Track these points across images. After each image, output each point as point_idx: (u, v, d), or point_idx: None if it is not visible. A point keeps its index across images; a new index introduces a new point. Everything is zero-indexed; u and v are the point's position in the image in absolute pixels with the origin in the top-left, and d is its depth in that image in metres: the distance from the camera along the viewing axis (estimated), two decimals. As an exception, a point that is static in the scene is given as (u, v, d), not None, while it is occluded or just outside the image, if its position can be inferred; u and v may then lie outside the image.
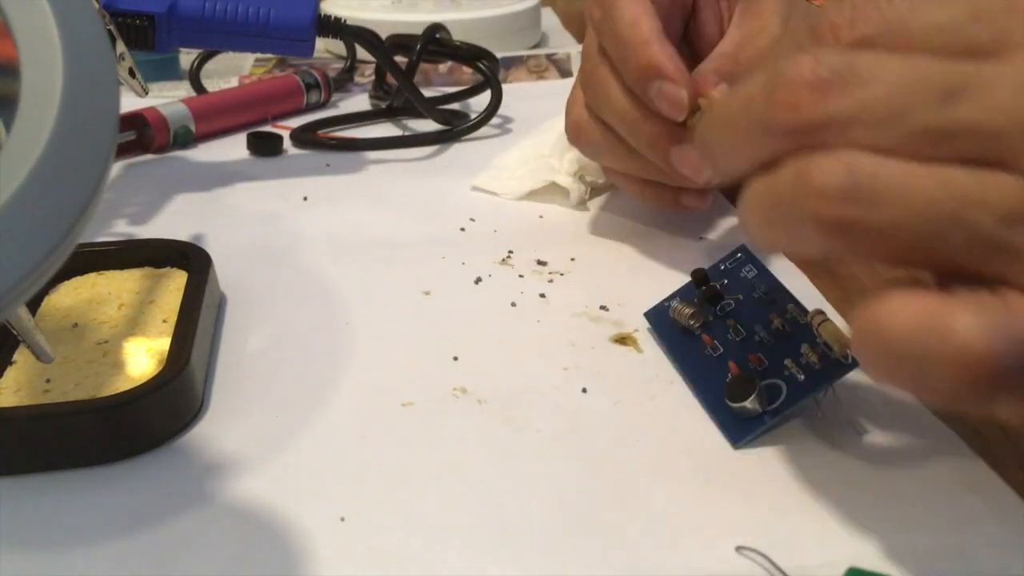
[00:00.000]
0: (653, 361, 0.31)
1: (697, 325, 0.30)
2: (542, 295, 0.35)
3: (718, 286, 0.31)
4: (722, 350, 0.29)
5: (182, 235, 0.39)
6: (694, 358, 0.30)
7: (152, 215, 0.44)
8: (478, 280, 0.37)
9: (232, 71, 0.69)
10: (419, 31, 0.55)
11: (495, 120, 0.55)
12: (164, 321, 0.32)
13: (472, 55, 0.55)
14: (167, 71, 0.66)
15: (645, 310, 0.33)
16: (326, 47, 0.75)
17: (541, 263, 0.38)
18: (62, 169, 0.17)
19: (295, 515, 0.24)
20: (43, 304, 0.33)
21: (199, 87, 0.61)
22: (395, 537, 0.23)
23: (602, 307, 0.34)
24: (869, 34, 0.20)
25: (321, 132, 0.55)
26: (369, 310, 0.35)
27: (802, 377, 0.27)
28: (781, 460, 0.26)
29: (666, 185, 0.37)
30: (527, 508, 0.24)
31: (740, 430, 0.27)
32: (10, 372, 0.29)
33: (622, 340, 0.32)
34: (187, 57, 0.66)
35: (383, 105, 0.59)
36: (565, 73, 0.69)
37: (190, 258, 0.34)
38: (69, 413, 0.26)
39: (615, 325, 0.33)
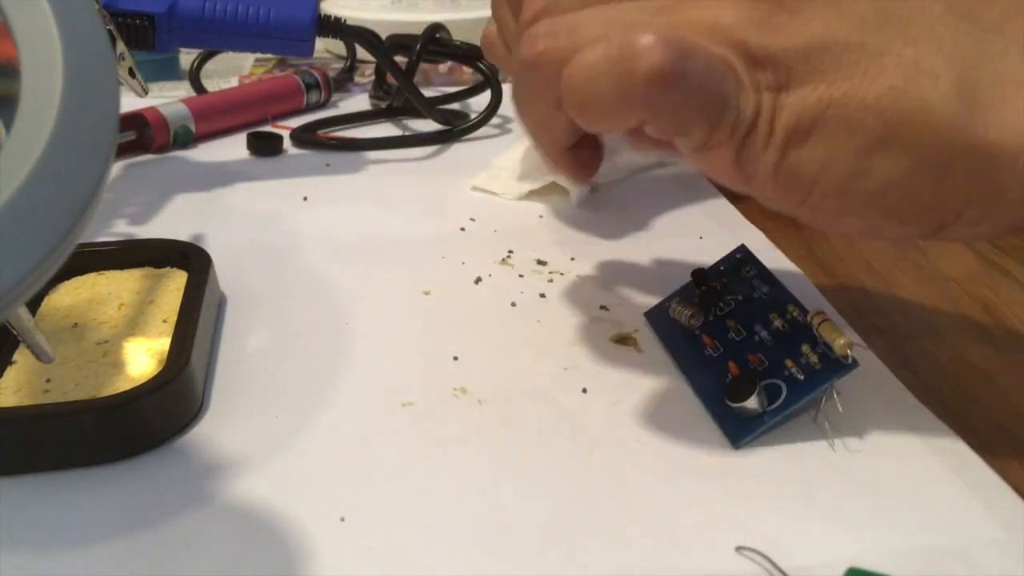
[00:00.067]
0: (653, 361, 0.31)
1: (697, 325, 0.30)
2: (542, 295, 0.35)
3: (718, 286, 0.31)
4: (722, 350, 0.29)
5: (182, 235, 0.39)
6: (694, 358, 0.30)
7: (152, 215, 0.44)
8: (478, 280, 0.37)
9: (232, 71, 0.69)
10: (419, 31, 0.55)
11: (495, 120, 0.55)
12: (164, 321, 0.32)
13: (472, 55, 0.55)
14: (167, 71, 0.66)
15: (645, 310, 0.33)
16: (326, 47, 0.75)
17: (541, 263, 0.38)
18: (62, 169, 0.17)
19: (295, 515, 0.24)
20: (43, 304, 0.33)
21: (199, 87, 0.61)
22: (395, 537, 0.23)
23: (602, 307, 0.34)
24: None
25: (321, 132, 0.55)
26: (369, 310, 0.35)
27: (802, 377, 0.27)
28: (781, 460, 0.26)
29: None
30: (527, 508, 0.24)
31: (740, 430, 0.27)
32: (10, 372, 0.29)
33: (622, 340, 0.32)
34: (187, 57, 0.66)
35: (383, 105, 0.59)
36: (565, 73, 0.69)
37: (190, 258, 0.34)
38: (69, 413, 0.26)
39: (615, 325, 0.33)
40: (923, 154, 0.22)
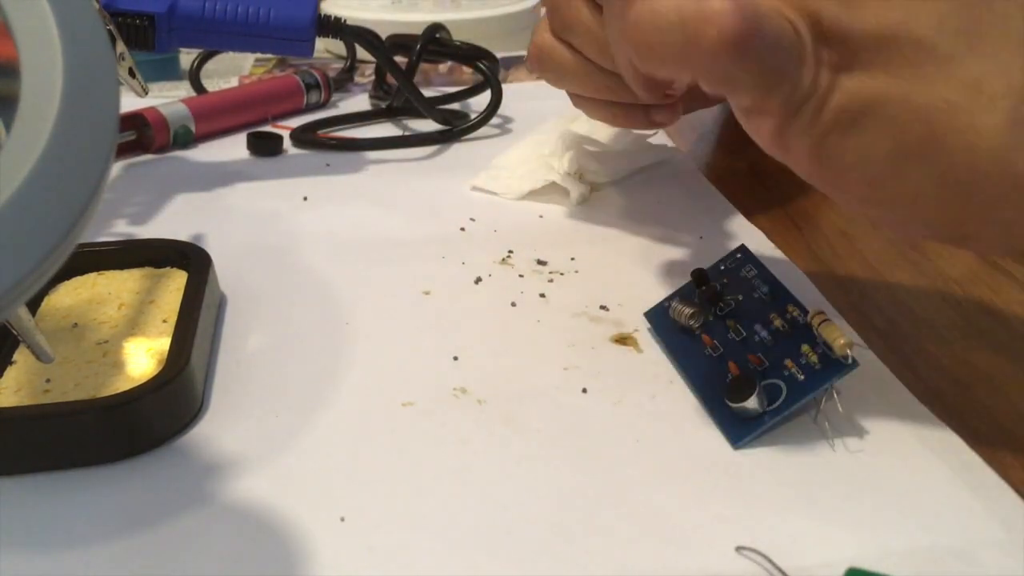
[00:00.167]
0: (653, 361, 0.31)
1: (697, 325, 0.30)
2: (542, 295, 0.35)
3: (718, 286, 0.31)
4: (722, 350, 0.29)
5: (182, 235, 0.39)
6: (694, 358, 0.30)
7: (152, 215, 0.44)
8: (478, 280, 0.37)
9: (232, 71, 0.69)
10: (419, 31, 0.55)
11: (495, 120, 0.55)
12: (164, 321, 0.32)
13: (472, 55, 0.55)
14: (167, 71, 0.66)
15: (645, 310, 0.33)
16: (326, 47, 0.75)
17: (541, 263, 0.38)
18: (62, 169, 0.17)
19: (295, 515, 0.24)
20: (43, 304, 0.33)
21: (199, 87, 0.61)
22: (395, 537, 0.23)
23: (602, 307, 0.34)
24: None
25: (321, 132, 0.55)
26: (369, 310, 0.35)
27: (802, 377, 0.27)
28: (781, 460, 0.26)
29: (636, 105, 0.36)
30: (527, 508, 0.24)
31: (740, 430, 0.27)
32: (10, 372, 0.29)
33: (622, 340, 0.32)
34: (187, 57, 0.66)
35: (383, 105, 0.58)
36: (565, 73, 0.69)
37: (190, 258, 0.34)
38: (69, 413, 0.26)
39: (615, 325, 0.33)
40: (958, 174, 0.22)
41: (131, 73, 0.46)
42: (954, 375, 0.31)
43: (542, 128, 0.49)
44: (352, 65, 0.66)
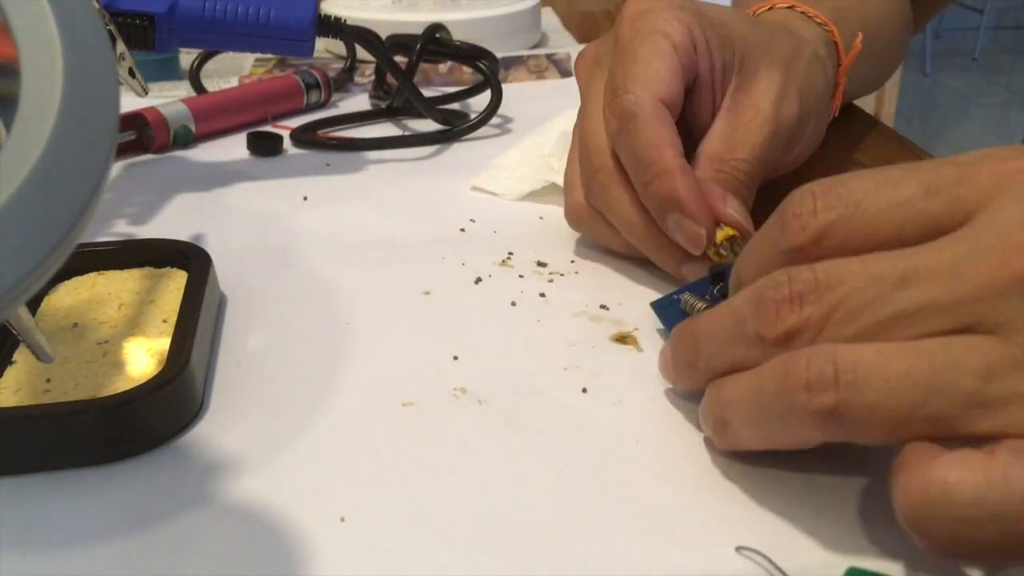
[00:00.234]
0: (653, 360, 0.31)
1: None
2: (542, 295, 0.35)
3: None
4: None
5: (182, 235, 0.39)
6: None
7: (152, 215, 0.44)
8: (478, 280, 0.37)
9: (232, 71, 0.69)
10: (419, 31, 0.55)
11: (495, 120, 0.55)
12: (164, 321, 0.32)
13: (472, 55, 0.55)
14: (167, 71, 0.66)
15: (644, 309, 0.33)
16: (326, 47, 0.75)
17: (541, 264, 0.38)
18: (62, 169, 0.17)
19: (295, 515, 0.24)
20: (43, 304, 0.33)
21: (199, 87, 0.61)
22: (395, 537, 0.23)
23: (602, 306, 0.34)
24: (832, 219, 0.22)
25: (321, 132, 0.55)
26: (369, 310, 0.35)
27: None
28: (781, 460, 0.26)
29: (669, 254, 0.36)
30: (527, 508, 0.24)
31: None
32: (10, 372, 0.29)
33: (622, 339, 0.32)
34: (187, 57, 0.66)
35: (383, 105, 0.58)
36: (565, 73, 0.69)
37: (190, 258, 0.34)
38: (69, 413, 0.26)
39: (615, 324, 0.33)
40: None
41: (131, 73, 0.46)
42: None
43: (542, 128, 0.49)
44: (352, 65, 0.66)
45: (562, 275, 0.37)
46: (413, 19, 0.69)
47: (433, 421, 0.28)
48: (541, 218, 0.43)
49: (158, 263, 0.35)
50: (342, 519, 0.24)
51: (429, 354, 0.32)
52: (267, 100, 0.57)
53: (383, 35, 0.53)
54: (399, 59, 0.54)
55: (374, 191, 0.46)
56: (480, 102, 0.55)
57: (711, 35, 0.35)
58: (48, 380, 0.29)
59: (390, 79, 0.58)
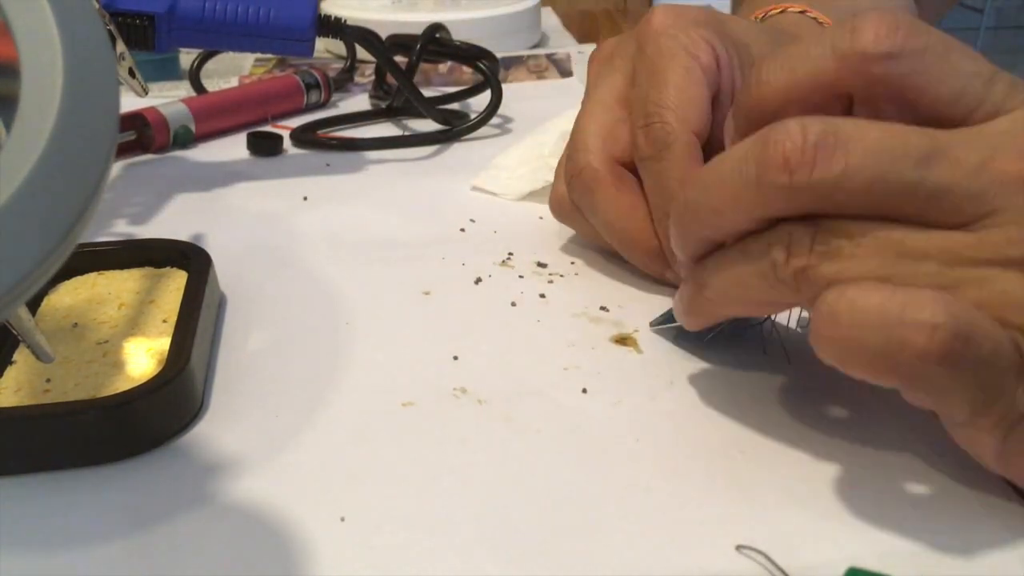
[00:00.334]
0: (653, 361, 0.31)
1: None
2: (542, 295, 0.35)
3: None
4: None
5: (182, 235, 0.39)
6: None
7: (152, 215, 0.44)
8: (478, 280, 0.37)
9: (232, 71, 0.69)
10: (419, 31, 0.55)
11: (495, 120, 0.55)
12: (164, 321, 0.32)
13: (472, 55, 0.55)
14: (167, 71, 0.66)
15: (645, 311, 0.33)
16: (326, 47, 0.75)
17: (541, 265, 0.38)
18: (62, 169, 0.17)
19: (295, 515, 0.24)
20: (43, 304, 0.33)
21: (199, 87, 0.61)
22: (395, 537, 0.23)
23: (602, 308, 0.34)
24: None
25: (321, 132, 0.55)
26: (369, 310, 0.35)
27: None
28: (781, 460, 0.26)
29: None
30: (527, 508, 0.24)
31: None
32: (10, 372, 0.29)
33: (622, 340, 0.32)
34: (187, 57, 0.66)
35: (383, 105, 0.59)
36: (565, 73, 0.69)
37: (190, 258, 0.34)
38: (69, 413, 0.26)
39: (615, 326, 0.33)
40: None
41: (131, 73, 0.46)
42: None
43: (542, 128, 0.49)
44: (352, 65, 0.66)
45: (562, 276, 0.37)
46: (413, 19, 0.69)
47: (433, 421, 0.28)
48: (541, 218, 0.43)
49: (158, 263, 0.35)
50: (342, 519, 0.24)
51: (429, 354, 0.32)
52: (267, 100, 0.57)
53: (383, 35, 0.53)
54: (399, 59, 0.54)
55: (374, 191, 0.46)
56: (480, 102, 0.55)
57: (732, 54, 0.34)
58: (48, 380, 0.29)
59: (390, 79, 0.58)
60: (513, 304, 0.35)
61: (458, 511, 0.24)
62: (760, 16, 0.43)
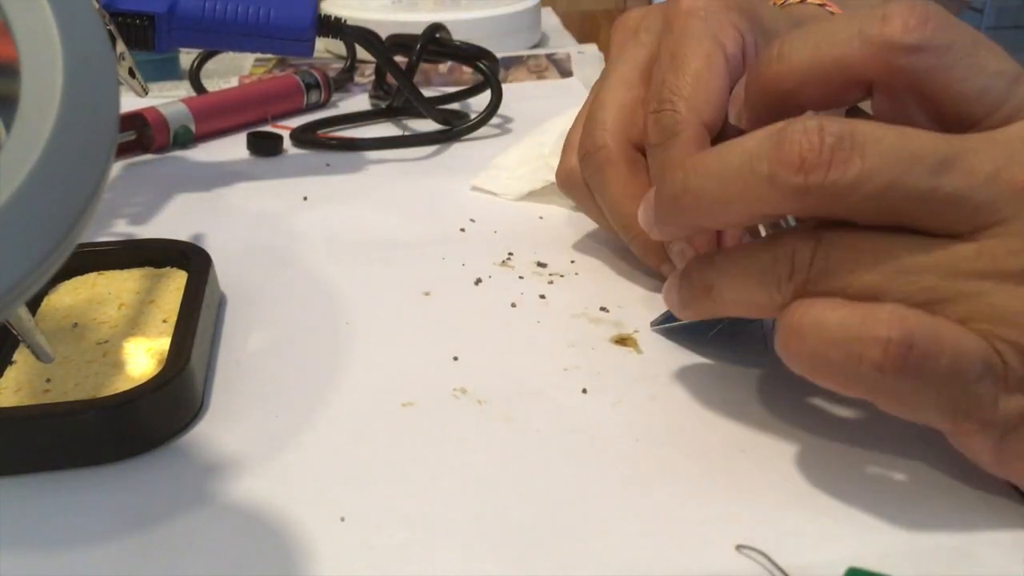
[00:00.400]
0: (653, 361, 0.31)
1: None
2: (542, 296, 0.35)
3: None
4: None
5: (182, 235, 0.39)
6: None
7: (152, 215, 0.44)
8: (478, 281, 0.37)
9: (232, 71, 0.69)
10: (419, 31, 0.55)
11: (495, 120, 0.55)
12: (164, 321, 0.32)
13: (472, 55, 0.55)
14: (167, 71, 0.66)
15: (644, 311, 0.33)
16: (326, 47, 0.75)
17: (541, 264, 0.38)
18: (62, 169, 0.17)
19: (295, 515, 0.24)
20: (43, 304, 0.33)
21: (199, 87, 0.61)
22: (395, 537, 0.23)
23: (602, 308, 0.34)
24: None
25: (321, 132, 0.55)
26: (369, 310, 0.35)
27: None
28: (781, 460, 0.26)
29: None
30: (527, 508, 0.24)
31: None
32: (10, 372, 0.29)
33: (622, 341, 0.32)
34: (187, 57, 0.66)
35: (383, 105, 0.59)
36: (565, 73, 0.69)
37: (190, 258, 0.34)
38: (69, 413, 0.26)
39: (615, 326, 0.33)
40: None
41: (131, 73, 0.46)
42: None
43: (542, 128, 0.49)
44: (352, 65, 0.66)
45: (562, 276, 0.37)
46: (413, 19, 0.69)
47: (433, 421, 0.28)
48: (541, 218, 0.43)
49: (158, 263, 0.35)
50: (342, 519, 0.24)
51: (429, 354, 0.32)
52: (267, 100, 0.57)
53: (383, 35, 0.53)
54: (399, 59, 0.54)
55: (374, 191, 0.46)
56: (480, 102, 0.55)
57: (761, 43, 0.34)
58: (48, 380, 0.29)
59: (390, 79, 0.58)
60: (513, 304, 0.35)
61: (458, 511, 0.24)
62: (780, 3, 0.43)
